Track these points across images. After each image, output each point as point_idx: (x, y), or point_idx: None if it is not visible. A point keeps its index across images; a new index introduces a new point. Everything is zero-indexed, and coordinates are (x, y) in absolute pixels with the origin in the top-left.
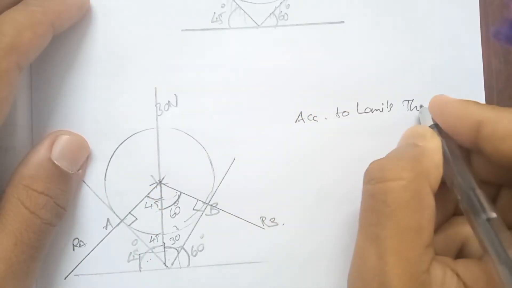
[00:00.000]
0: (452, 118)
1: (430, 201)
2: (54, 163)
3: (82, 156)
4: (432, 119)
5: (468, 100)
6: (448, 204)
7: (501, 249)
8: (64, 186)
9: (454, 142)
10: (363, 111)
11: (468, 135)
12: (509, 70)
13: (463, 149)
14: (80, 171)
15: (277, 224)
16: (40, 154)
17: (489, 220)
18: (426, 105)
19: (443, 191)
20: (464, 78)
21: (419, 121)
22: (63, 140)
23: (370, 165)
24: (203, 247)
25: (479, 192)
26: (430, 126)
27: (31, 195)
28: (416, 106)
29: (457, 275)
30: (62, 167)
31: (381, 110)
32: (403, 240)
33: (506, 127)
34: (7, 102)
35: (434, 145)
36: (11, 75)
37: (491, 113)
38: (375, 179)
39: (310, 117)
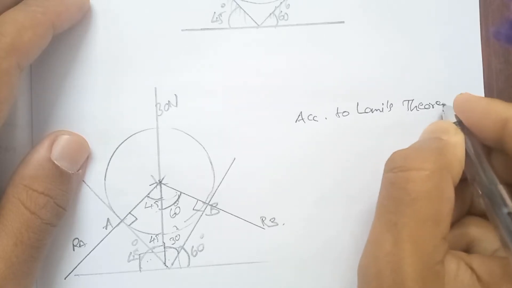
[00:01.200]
0: (477, 115)
1: (450, 194)
2: (54, 163)
3: (82, 156)
4: (456, 116)
5: (493, 99)
6: (463, 202)
7: None
8: (64, 186)
9: (477, 139)
10: (363, 111)
11: (493, 133)
12: (509, 70)
13: (485, 148)
14: (80, 171)
15: (277, 224)
16: (40, 154)
17: (510, 214)
18: (449, 103)
19: (460, 187)
20: (464, 78)
21: (441, 119)
22: (63, 140)
23: (392, 154)
24: (203, 247)
25: (501, 187)
26: (453, 123)
27: (31, 195)
28: (416, 107)
29: (471, 268)
30: (62, 167)
31: (381, 110)
32: (420, 229)
33: None
34: (7, 102)
35: (457, 139)
36: (11, 76)
37: None
38: (397, 167)
39: (310, 117)
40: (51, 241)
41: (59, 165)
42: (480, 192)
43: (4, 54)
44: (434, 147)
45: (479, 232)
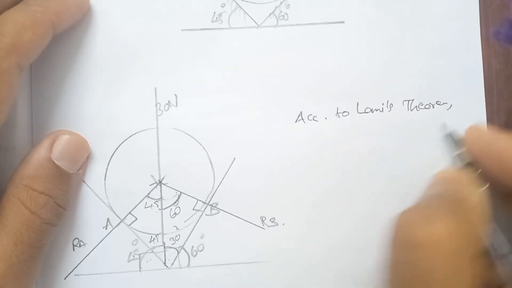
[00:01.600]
0: (502, 160)
1: (474, 271)
2: (54, 163)
3: (82, 156)
4: (467, 153)
5: None
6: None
7: None
8: (64, 186)
9: (492, 186)
10: (363, 111)
11: None
12: (509, 70)
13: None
14: (80, 171)
15: (277, 224)
16: (40, 154)
17: None
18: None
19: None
20: (464, 78)
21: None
22: (63, 139)
23: (400, 219)
24: (203, 247)
25: None
26: (466, 164)
27: (31, 195)
28: (416, 107)
29: None
30: (62, 167)
31: (381, 110)
32: None
33: None
34: (7, 102)
35: (477, 198)
36: (12, 75)
37: None
38: (411, 244)
39: (310, 117)
40: (51, 241)
41: (59, 164)
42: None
43: (4, 54)
44: (453, 211)
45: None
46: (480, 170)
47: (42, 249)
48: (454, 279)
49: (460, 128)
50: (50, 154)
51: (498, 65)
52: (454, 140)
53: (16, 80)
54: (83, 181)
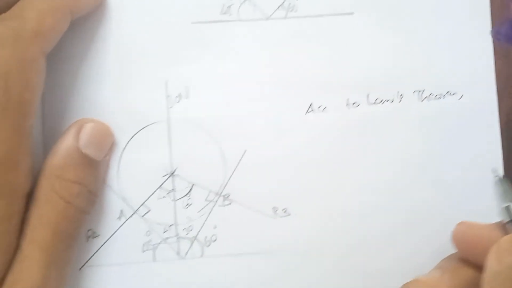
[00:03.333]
0: None
1: None
2: (82, 151)
3: (108, 142)
4: None
5: None
6: None
7: None
8: (94, 174)
9: None
10: (374, 102)
11: None
12: (509, 70)
13: None
14: (107, 157)
15: (289, 215)
16: (68, 143)
17: None
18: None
19: None
20: (475, 68)
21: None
22: (88, 128)
23: None
24: (216, 238)
25: None
26: None
27: (64, 185)
28: (427, 97)
29: None
30: (90, 155)
31: (391, 100)
32: None
33: None
34: (39, 88)
35: None
36: (38, 62)
37: None
38: None
39: (321, 108)
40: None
41: (87, 153)
42: None
43: (30, 41)
44: None
45: None
46: None
47: (77, 238)
48: None
49: (472, 118)
50: (77, 143)
51: (498, 65)
52: (506, 188)
53: (43, 66)
54: None
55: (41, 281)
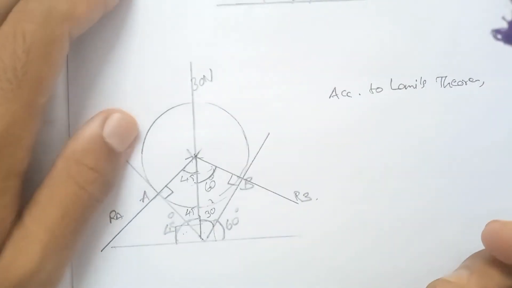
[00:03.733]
0: None
1: None
2: (105, 140)
3: (131, 135)
4: None
5: None
6: None
7: None
8: (113, 164)
9: None
10: (397, 87)
11: None
12: None
13: None
14: (128, 150)
15: (311, 199)
16: (92, 130)
17: None
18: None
19: None
20: (496, 55)
21: None
22: (115, 118)
23: None
24: (238, 221)
25: None
26: None
27: (81, 170)
28: (449, 83)
29: None
30: (113, 145)
31: (414, 86)
32: None
33: None
34: (58, 69)
35: None
36: (63, 43)
37: None
38: None
39: (344, 93)
40: (94, 216)
41: (110, 142)
42: None
43: (59, 21)
44: None
45: None
46: None
47: (85, 224)
48: None
49: (493, 105)
50: (102, 131)
51: None
52: None
53: (67, 48)
54: None
55: (40, 261)
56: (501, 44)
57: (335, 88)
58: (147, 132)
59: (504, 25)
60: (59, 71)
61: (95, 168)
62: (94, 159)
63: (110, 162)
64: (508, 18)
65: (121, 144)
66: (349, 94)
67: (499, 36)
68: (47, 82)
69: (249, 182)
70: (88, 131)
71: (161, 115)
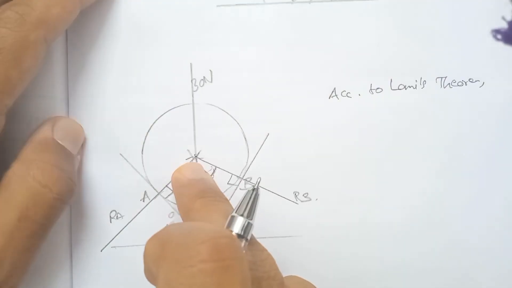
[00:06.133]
0: None
1: None
2: (59, 142)
3: (81, 138)
4: None
5: None
6: None
7: None
8: (72, 164)
9: None
10: (397, 88)
11: None
12: None
13: None
14: (79, 156)
15: (310, 199)
16: (44, 133)
17: None
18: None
19: None
20: (496, 56)
21: None
22: (62, 122)
23: None
24: None
25: None
26: None
27: (43, 168)
28: (449, 84)
29: None
30: (67, 147)
31: (414, 87)
32: None
33: None
34: (29, 73)
35: None
36: (37, 48)
37: None
38: None
39: (344, 93)
40: (57, 220)
41: (63, 144)
42: None
43: (32, 27)
44: None
45: None
46: None
47: (47, 227)
48: None
49: (493, 106)
50: (53, 134)
51: None
52: None
53: (41, 53)
54: (121, 154)
55: None
56: (501, 44)
57: (335, 89)
58: (148, 132)
59: (504, 25)
60: (32, 75)
61: (56, 164)
62: (54, 157)
63: (69, 162)
64: (508, 18)
65: (73, 146)
66: (348, 94)
67: (499, 36)
68: (14, 84)
69: (249, 182)
70: (40, 135)
71: (161, 115)
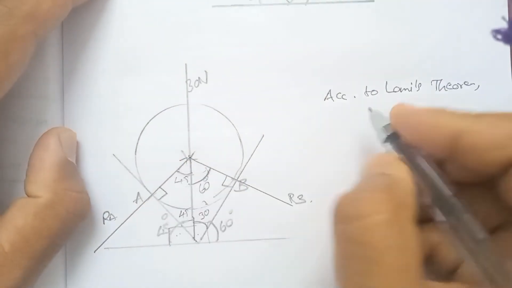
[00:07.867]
0: (422, 129)
1: (416, 234)
2: (72, 162)
3: (75, 147)
4: (388, 126)
5: (440, 109)
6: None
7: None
8: (80, 177)
9: (420, 152)
10: (392, 90)
11: (442, 148)
12: None
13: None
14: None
15: (305, 201)
16: (58, 155)
17: (483, 241)
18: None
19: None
20: (491, 59)
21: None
22: (67, 136)
23: (338, 200)
24: (232, 223)
25: (468, 216)
26: (388, 136)
27: (74, 198)
28: (444, 87)
29: None
30: (70, 159)
31: (409, 89)
32: (397, 284)
33: (489, 137)
34: (17, 68)
35: (403, 172)
36: (26, 43)
37: (470, 122)
38: (349, 217)
39: (339, 96)
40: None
41: (72, 161)
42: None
43: (21, 21)
44: (382, 185)
45: (439, 240)
46: (400, 139)
47: (66, 240)
48: (403, 239)
49: (488, 109)
50: (63, 153)
51: None
52: (380, 116)
53: (30, 48)
54: (114, 155)
55: (21, 282)
56: (496, 48)
57: (330, 91)
58: (141, 133)
59: (504, 25)
60: (19, 70)
61: (79, 190)
62: (74, 182)
63: (79, 175)
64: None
65: (74, 156)
66: (344, 96)
67: (499, 36)
68: (2, 79)
69: (243, 184)
70: (54, 157)
71: (155, 116)
